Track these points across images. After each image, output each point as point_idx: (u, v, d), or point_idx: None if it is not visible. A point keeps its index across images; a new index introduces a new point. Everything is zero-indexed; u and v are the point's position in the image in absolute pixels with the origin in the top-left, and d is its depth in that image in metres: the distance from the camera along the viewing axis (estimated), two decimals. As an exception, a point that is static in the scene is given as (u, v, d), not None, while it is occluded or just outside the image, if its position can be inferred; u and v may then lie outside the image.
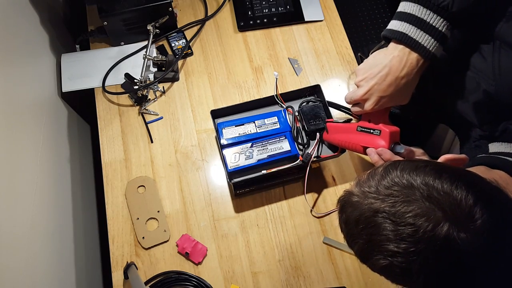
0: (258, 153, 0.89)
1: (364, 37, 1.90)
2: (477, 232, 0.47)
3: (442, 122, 0.99)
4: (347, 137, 0.85)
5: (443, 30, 0.73)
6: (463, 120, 0.84)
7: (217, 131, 0.92)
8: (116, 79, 1.05)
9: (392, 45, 0.76)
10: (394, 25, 0.76)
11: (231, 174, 0.88)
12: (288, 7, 1.14)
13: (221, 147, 0.90)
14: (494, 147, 0.78)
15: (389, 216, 0.50)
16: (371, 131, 0.80)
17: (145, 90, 1.01)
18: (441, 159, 0.64)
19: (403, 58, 0.75)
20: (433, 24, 0.72)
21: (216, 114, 0.95)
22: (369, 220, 0.52)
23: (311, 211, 0.94)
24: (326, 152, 0.94)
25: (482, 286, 0.51)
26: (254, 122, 0.93)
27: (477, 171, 0.62)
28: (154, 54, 1.05)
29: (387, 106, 0.80)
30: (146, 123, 1.01)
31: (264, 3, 1.14)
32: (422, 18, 0.73)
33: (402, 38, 0.74)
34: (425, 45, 0.73)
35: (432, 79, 0.87)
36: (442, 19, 0.72)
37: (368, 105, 0.79)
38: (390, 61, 0.75)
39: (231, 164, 0.88)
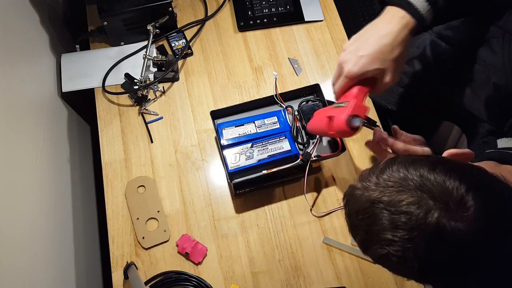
0: (258, 153, 0.90)
1: (364, 37, 1.89)
2: (469, 220, 0.49)
3: (449, 120, 0.98)
4: (318, 118, 0.82)
5: None
6: (471, 116, 0.83)
7: (217, 131, 0.92)
8: (116, 79, 1.05)
9: (385, 8, 0.74)
10: None
11: (232, 174, 0.88)
12: (288, 7, 1.14)
13: (221, 147, 0.90)
14: (503, 143, 0.77)
15: (385, 206, 0.52)
16: (342, 104, 0.76)
17: (145, 90, 1.01)
18: (445, 153, 0.64)
19: (389, 17, 0.72)
20: None
21: (215, 114, 0.95)
22: (367, 210, 0.54)
23: (311, 210, 0.94)
24: (326, 151, 0.94)
25: (476, 272, 0.52)
26: (254, 122, 0.93)
27: (485, 166, 0.64)
28: (154, 54, 1.05)
29: (369, 72, 0.73)
30: (146, 123, 1.01)
31: (264, 3, 1.14)
32: None
33: None
34: (415, 4, 0.70)
35: (440, 74, 0.86)
36: None
37: (347, 67, 0.74)
38: (377, 19, 0.73)
39: (232, 165, 0.88)
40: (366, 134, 1.02)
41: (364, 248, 0.58)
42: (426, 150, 0.80)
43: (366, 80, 0.75)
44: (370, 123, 1.00)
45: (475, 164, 0.68)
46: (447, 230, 0.49)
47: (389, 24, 0.71)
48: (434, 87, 0.88)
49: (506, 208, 0.53)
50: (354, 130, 0.74)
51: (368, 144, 0.84)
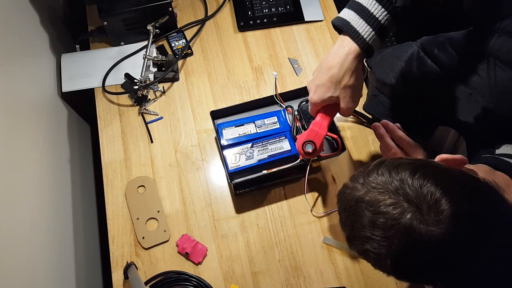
0: (258, 153, 0.90)
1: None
2: (442, 224, 0.51)
3: (445, 125, 0.99)
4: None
5: (382, 22, 0.72)
6: (467, 127, 0.83)
7: (217, 132, 0.92)
8: (116, 79, 1.05)
9: (340, 35, 0.77)
10: (343, 12, 0.77)
11: (232, 174, 0.88)
12: (288, 7, 1.14)
13: (222, 147, 0.90)
14: (501, 149, 0.78)
15: (366, 205, 0.56)
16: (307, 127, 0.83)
17: (145, 90, 1.01)
18: (437, 158, 0.66)
19: (337, 46, 0.75)
20: (375, 15, 0.72)
21: (215, 115, 0.95)
22: (352, 208, 0.59)
23: (311, 210, 0.94)
24: (326, 151, 0.94)
25: (466, 275, 0.55)
26: (254, 122, 0.93)
27: (480, 170, 0.66)
28: (154, 54, 1.05)
29: (326, 99, 0.78)
30: (146, 123, 1.01)
31: (264, 3, 1.14)
32: (366, 7, 0.73)
33: (343, 26, 0.74)
34: (362, 34, 0.73)
35: (427, 92, 0.87)
36: (385, 12, 0.72)
37: (310, 95, 0.80)
38: (330, 49, 0.76)
39: (232, 165, 0.88)
40: (366, 133, 1.02)
41: (349, 243, 0.61)
42: (419, 150, 0.84)
43: (330, 105, 0.80)
44: (368, 121, 1.01)
45: (471, 167, 0.68)
46: (417, 232, 0.52)
47: (336, 55, 0.75)
48: (423, 102, 0.88)
49: (491, 214, 0.55)
50: (307, 154, 0.82)
51: (373, 125, 0.89)
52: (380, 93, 0.95)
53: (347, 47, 0.74)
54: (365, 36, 0.73)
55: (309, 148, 0.80)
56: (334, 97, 0.77)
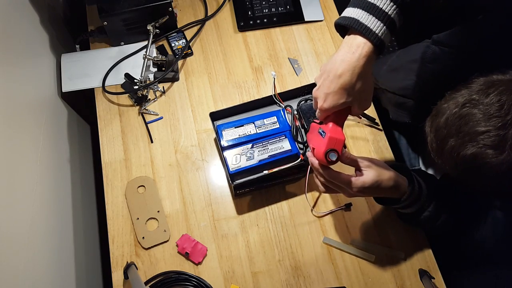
0: (259, 154, 0.90)
1: (364, 37, 1.89)
2: None
3: None
4: (311, 138, 0.85)
5: (391, 15, 0.70)
6: None
7: (217, 133, 0.92)
8: (116, 79, 1.05)
9: (345, 37, 0.74)
10: (348, 12, 0.74)
11: (233, 175, 0.88)
12: (288, 7, 1.14)
13: (222, 149, 0.90)
14: None
15: (475, 102, 0.56)
16: (323, 134, 0.80)
17: (145, 90, 1.01)
18: None
19: (345, 51, 0.72)
20: (384, 9, 0.70)
21: (215, 116, 0.95)
22: (457, 114, 0.58)
23: (311, 210, 0.94)
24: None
25: None
26: (253, 123, 0.93)
27: None
28: (154, 54, 1.05)
29: (338, 106, 0.76)
30: (146, 123, 1.01)
31: (264, 3, 1.14)
32: (374, 3, 0.71)
33: (353, 24, 0.71)
34: (374, 29, 0.70)
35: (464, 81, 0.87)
36: (394, 5, 0.70)
37: (319, 104, 0.77)
38: (336, 53, 0.73)
39: (233, 166, 0.88)
40: (366, 133, 1.02)
41: (453, 156, 0.60)
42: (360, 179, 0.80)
43: (341, 109, 0.78)
44: (369, 120, 1.01)
45: None
46: None
47: (344, 62, 0.71)
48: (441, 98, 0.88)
49: None
50: (331, 163, 0.80)
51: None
52: (404, 100, 0.94)
53: (357, 52, 0.71)
54: (377, 32, 0.70)
55: (333, 157, 0.79)
56: (347, 103, 0.75)
